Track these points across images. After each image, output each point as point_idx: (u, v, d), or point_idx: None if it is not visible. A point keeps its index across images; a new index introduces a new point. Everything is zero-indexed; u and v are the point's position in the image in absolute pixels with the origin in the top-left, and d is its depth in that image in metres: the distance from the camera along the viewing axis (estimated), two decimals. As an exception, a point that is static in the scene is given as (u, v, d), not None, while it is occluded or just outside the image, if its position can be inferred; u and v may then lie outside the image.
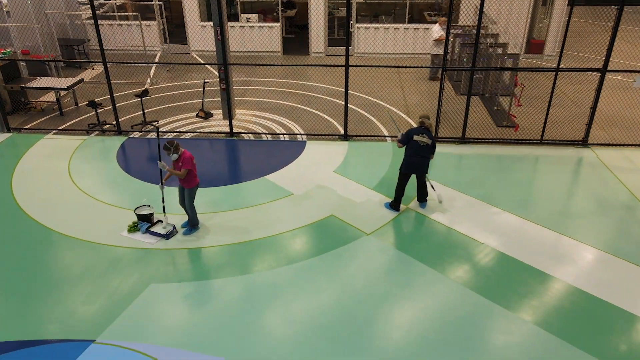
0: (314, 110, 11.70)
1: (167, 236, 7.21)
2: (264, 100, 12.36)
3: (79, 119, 11.32)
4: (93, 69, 14.92)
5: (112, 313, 5.87)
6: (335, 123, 11.05)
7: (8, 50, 11.64)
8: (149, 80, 13.62)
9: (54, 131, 10.63)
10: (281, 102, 12.24)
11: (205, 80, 11.18)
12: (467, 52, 12.60)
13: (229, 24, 15.71)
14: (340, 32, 17.23)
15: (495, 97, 12.03)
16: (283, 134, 10.50)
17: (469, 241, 7.15)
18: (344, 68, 9.61)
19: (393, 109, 11.82)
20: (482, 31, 14.19)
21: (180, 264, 6.72)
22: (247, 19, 15.81)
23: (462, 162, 9.46)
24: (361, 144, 10.13)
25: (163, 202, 7.25)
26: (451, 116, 11.05)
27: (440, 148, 9.79)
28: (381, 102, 12.22)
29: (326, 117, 11.38)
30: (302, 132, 10.56)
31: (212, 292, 6.23)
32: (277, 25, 15.73)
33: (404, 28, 15.46)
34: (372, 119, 11.31)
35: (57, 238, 7.20)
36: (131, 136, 10.48)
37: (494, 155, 9.65)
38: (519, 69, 9.53)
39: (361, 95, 12.69)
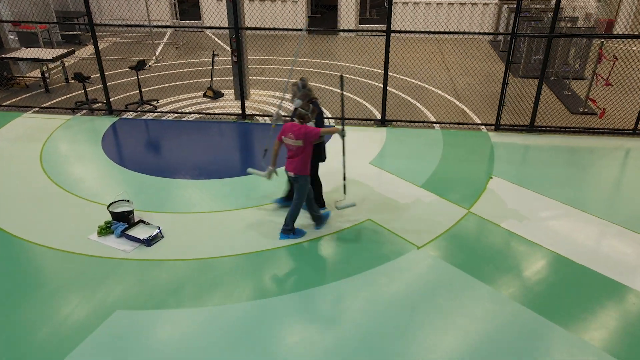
0: (344, 92, 9.75)
1: (149, 242, 5.37)
2: (285, 80, 10.47)
3: (67, 96, 9.62)
4: (87, 45, 13.25)
5: (58, 351, 4.05)
6: (369, 106, 9.10)
7: (-12, 15, 10.01)
8: (154, 58, 11.87)
9: (34, 109, 8.94)
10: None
11: (215, 54, 9.35)
12: (530, 27, 10.50)
13: (248, -3, 13.89)
14: (372, 12, 15.28)
15: (563, 81, 9.92)
16: (306, 117, 8.58)
17: (556, 258, 5.14)
18: (378, 46, 7.67)
19: (440, 91, 9.81)
20: (542, 5, 12.09)
21: (161, 282, 4.86)
22: (268, -7, 13.95)
23: (531, 154, 7.41)
24: (402, 130, 8.16)
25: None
26: (512, 100, 9.00)
27: (503, 137, 7.77)
28: (424, 84, 10.21)
29: (358, 99, 9.44)
30: (330, 116, 8.64)
31: (207, 324, 4.36)
32: (302, 0, 13.83)
33: (448, 3, 13.39)
34: (415, 102, 9.31)
35: (5, 242, 5.43)
36: (124, 117, 8.70)
37: (571, 147, 7.57)
38: (606, 35, 7.31)
39: (400, 76, 10.71)
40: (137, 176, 6.75)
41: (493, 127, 8.08)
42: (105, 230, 5.51)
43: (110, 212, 5.58)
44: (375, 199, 6.22)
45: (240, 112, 8.55)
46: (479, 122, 8.38)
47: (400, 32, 7.63)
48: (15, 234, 5.54)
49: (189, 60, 11.85)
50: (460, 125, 8.21)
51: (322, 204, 6.02)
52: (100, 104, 8.98)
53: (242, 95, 8.46)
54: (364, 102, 9.28)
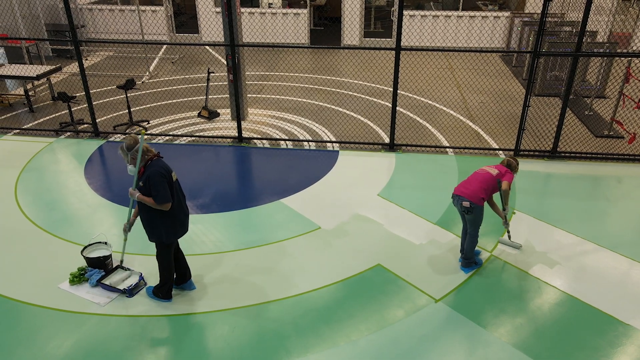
0: (348, 112, 9.12)
1: (130, 292, 4.69)
2: (285, 98, 9.83)
3: (52, 116, 8.99)
4: (86, 59, 12.65)
5: None
6: (376, 128, 8.44)
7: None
8: (147, 74, 11.25)
9: (15, 131, 8.30)
10: (306, 100, 9.70)
11: (210, 71, 8.71)
12: (547, 42, 9.86)
13: (248, 9, 13.31)
14: (377, 24, 14.68)
15: (582, 100, 9.27)
16: (308, 140, 7.93)
17: (596, 314, 4.44)
18: (383, 61, 7.01)
19: (451, 111, 9.15)
20: (557, 19, 11.48)
21: (133, 344, 4.17)
22: (269, 4, 13.37)
23: (554, 185, 6.73)
24: (413, 156, 7.49)
25: None
26: (530, 121, 8.35)
27: (524, 164, 7.09)
28: (434, 103, 9.56)
29: (364, 119, 8.78)
30: (334, 139, 7.98)
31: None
32: (304, 12, 13.23)
33: (457, 16, 12.78)
34: (425, 123, 8.65)
35: (-36, 290, 4.76)
36: (111, 139, 8.05)
37: (597, 176, 6.88)
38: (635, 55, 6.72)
39: (407, 94, 10.06)
40: (121, 210, 6.08)
41: (512, 153, 7.40)
42: (78, 278, 4.83)
43: (84, 257, 4.90)
44: (384, 239, 5.53)
45: (237, 134, 7.88)
46: (496, 146, 7.71)
47: (410, 49, 6.99)
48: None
49: (185, 75, 11.23)
50: (476, 151, 7.55)
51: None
52: (86, 125, 8.34)
53: (238, 117, 7.80)
54: (370, 123, 8.62)
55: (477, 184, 4.71)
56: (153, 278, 4.86)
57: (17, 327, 4.31)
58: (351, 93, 10.12)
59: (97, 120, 8.59)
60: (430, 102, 9.65)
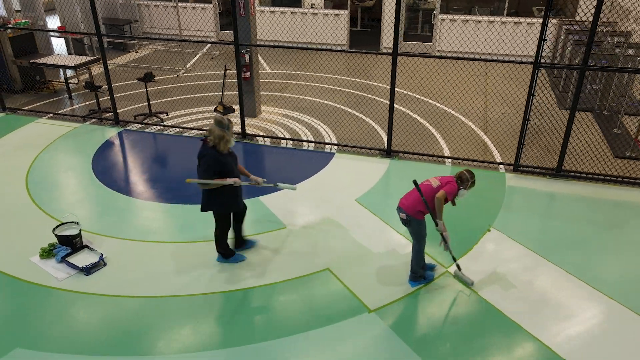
0: (361, 115, 9.07)
1: (87, 270, 5.05)
2: (304, 98, 9.95)
3: (85, 103, 9.72)
4: (136, 51, 13.51)
5: None
6: (383, 134, 8.34)
7: (25, 20, 10.38)
8: (184, 68, 11.82)
9: (49, 115, 9.08)
10: (324, 101, 9.75)
11: (227, 68, 9.02)
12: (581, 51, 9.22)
13: (290, 9, 13.56)
14: (425, 28, 14.37)
15: (617, 116, 8.57)
16: (307, 141, 8.00)
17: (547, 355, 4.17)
18: (423, 67, 6.94)
19: (467, 120, 8.82)
20: (606, 28, 10.67)
21: (82, 321, 4.48)
22: (312, 5, 13.52)
23: (549, 205, 6.33)
24: (408, 163, 7.33)
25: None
26: (546, 136, 7.87)
27: (522, 181, 6.72)
28: (451, 111, 9.26)
29: (373, 124, 8.70)
30: (333, 142, 7.99)
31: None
32: (345, 13, 13.25)
33: (501, 22, 12.23)
34: (434, 131, 8.42)
35: (-47, 253, 5.35)
36: (128, 128, 8.60)
37: (604, 200, 6.37)
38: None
39: (428, 100, 9.82)
40: (111, 194, 6.51)
41: (512, 168, 7.04)
42: (47, 253, 5.26)
43: (55, 235, 5.33)
44: (344, 244, 5.51)
45: (240, 131, 8.13)
46: (498, 160, 7.35)
47: (407, 54, 6.85)
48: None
49: (217, 71, 11.66)
50: (475, 163, 7.25)
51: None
52: (111, 114, 8.95)
53: (241, 114, 8.04)
54: (378, 128, 8.53)
55: (416, 195, 4.57)
56: (118, 262, 5.20)
57: (-18, 291, 4.80)
58: (373, 97, 10.03)
59: (123, 110, 9.22)
60: (447, 109, 9.36)
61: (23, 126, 8.63)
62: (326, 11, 13.33)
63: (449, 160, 7.37)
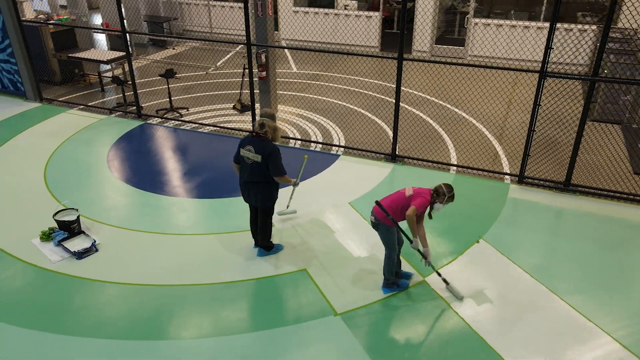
0: (375, 119, 9.03)
1: (79, 255, 5.35)
2: (323, 98, 10.01)
3: (116, 96, 10.21)
4: (174, 48, 14.02)
5: None
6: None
7: (66, 17, 11.02)
8: (214, 66, 12.16)
9: (80, 106, 9.61)
10: (342, 103, 9.77)
11: (246, 67, 9.21)
12: (622, 61, 8.78)
13: (323, 10, 13.64)
14: (461, 31, 14.07)
15: (646, 131, 8.09)
16: (314, 141, 8.06)
17: (501, 369, 4.05)
18: (443, 72, 6.89)
19: (483, 128, 8.60)
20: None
21: (65, 302, 4.76)
22: (345, 7, 13.54)
23: (550, 220, 6.07)
24: (411, 169, 7.25)
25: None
26: (564, 149, 7.55)
27: (525, 193, 6.50)
28: (470, 117, 9.04)
29: (387, 129, 8.64)
30: (340, 144, 8.00)
31: (84, 356, 4.17)
32: (376, 15, 13.18)
33: (537, 27, 11.78)
34: (446, 137, 8.26)
35: (-33, 231, 5.81)
36: (149, 122, 8.97)
37: (613, 219, 6.05)
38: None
39: (447, 105, 9.63)
40: (118, 184, 6.84)
41: (517, 180, 6.81)
42: (46, 236, 5.62)
43: (55, 220, 5.68)
44: (327, 247, 5.54)
45: (251, 128, 8.30)
46: (505, 170, 7.13)
47: (412, 59, 6.78)
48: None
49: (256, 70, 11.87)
50: (480, 172, 7.07)
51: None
52: (134, 107, 9.37)
53: (252, 112, 8.21)
54: (389, 133, 8.46)
55: (388, 201, 4.53)
56: (111, 250, 5.49)
57: (-18, 267, 5.20)
58: (393, 101, 9.94)
59: (150, 104, 9.64)
60: (466, 115, 9.15)
61: (55, 116, 9.19)
62: (358, 13, 13.31)
63: (454, 168, 7.23)
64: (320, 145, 7.98)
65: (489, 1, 13.16)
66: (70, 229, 5.65)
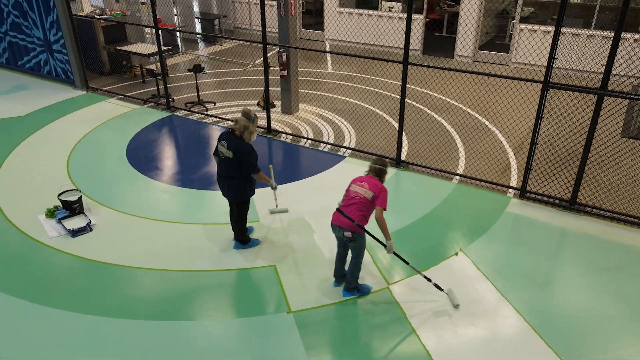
0: (394, 123, 8.91)
1: (74, 233, 5.78)
2: (348, 100, 10.01)
3: (153, 88, 10.79)
4: (221, 45, 14.55)
5: None
6: (406, 144, 8.14)
7: (117, 12, 11.77)
8: (252, 63, 12.50)
9: (119, 96, 10.27)
10: (366, 105, 9.73)
11: (270, 66, 9.43)
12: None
13: (367, 11, 13.60)
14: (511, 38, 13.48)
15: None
16: (322, 142, 8.10)
17: (437, 385, 3.94)
18: (474, 78, 6.81)
19: (501, 138, 8.24)
20: None
21: (52, 275, 5.17)
22: (390, 8, 13.42)
23: (544, 239, 5.73)
24: (412, 175, 7.12)
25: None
26: (594, 166, 7.08)
27: (526, 208, 6.20)
28: (492, 127, 8.69)
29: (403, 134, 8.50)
30: (348, 146, 8.00)
31: (65, 328, 4.55)
32: (420, 17, 12.95)
33: (587, 35, 11.07)
34: (460, 145, 8.01)
35: (-12, 203, 6.44)
36: (175, 114, 9.42)
37: (615, 243, 5.62)
38: None
39: (471, 112, 9.31)
40: (130, 171, 7.27)
41: (519, 193, 6.50)
42: (50, 214, 6.11)
43: (59, 199, 6.15)
44: (304, 246, 5.60)
45: (266, 125, 8.49)
46: (512, 183, 6.81)
47: (417, 64, 6.67)
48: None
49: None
50: (483, 183, 6.81)
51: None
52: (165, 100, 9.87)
53: (267, 110, 8.40)
54: (404, 138, 8.34)
55: (356, 212, 4.44)
56: (105, 228, 5.88)
57: (-11, 236, 5.76)
58: (418, 106, 9.77)
59: (182, 97, 10.11)
60: (489, 125, 8.80)
61: (95, 104, 9.89)
62: (402, 15, 13.14)
63: (457, 177, 7.01)
64: (328, 146, 8.02)
65: (540, 6, 12.51)
66: (72, 208, 6.10)
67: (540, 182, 6.57)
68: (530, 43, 11.54)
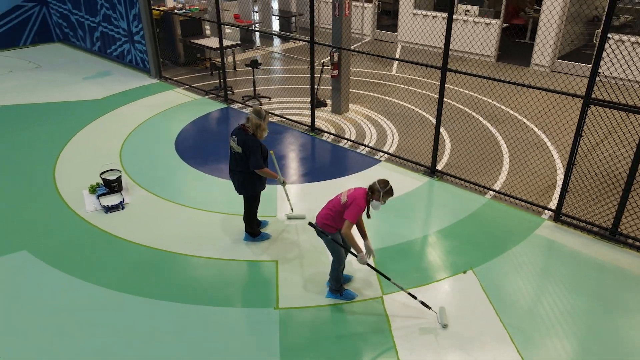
0: (443, 131, 8.59)
1: (107, 209, 6.27)
2: (402, 104, 9.81)
3: (216, 81, 11.30)
4: (294, 42, 14.86)
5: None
6: (448, 153, 7.83)
7: (195, 7, 12.45)
8: (322, 61, 12.64)
9: (185, 86, 10.88)
10: (419, 110, 9.47)
11: (325, 65, 9.49)
12: None
13: (441, 14, 13.19)
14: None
15: None
16: (363, 144, 8.01)
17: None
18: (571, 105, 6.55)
19: (555, 155, 7.62)
20: None
21: (80, 246, 5.66)
22: (466, 12, 12.90)
23: (570, 271, 5.23)
24: (443, 186, 6.83)
25: None
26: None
27: (558, 233, 5.73)
28: (549, 143, 8.06)
29: (448, 142, 8.19)
30: (386, 150, 7.84)
31: (91, 299, 5.02)
32: (496, 22, 12.31)
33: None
34: (506, 159, 7.54)
35: (31, 173, 7.15)
36: (231, 106, 9.81)
37: (655, 282, 5.02)
38: None
39: (533, 127, 8.71)
40: (173, 157, 7.71)
41: (553, 215, 6.00)
42: (92, 189, 6.66)
43: (102, 178, 6.69)
44: (311, 246, 5.62)
45: (310, 123, 8.58)
46: (552, 205, 6.29)
47: (455, 71, 6.38)
48: (40, 168, 7.20)
49: (354, 68, 12.12)
50: (517, 202, 6.36)
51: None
52: (227, 92, 10.30)
53: (312, 109, 8.47)
54: (448, 146, 8.02)
55: (324, 210, 4.44)
56: (137, 209, 6.33)
57: (36, 200, 6.40)
58: (476, 116, 9.33)
59: (242, 91, 10.51)
60: (547, 141, 8.18)
61: (162, 92, 10.58)
62: (477, 19, 12.58)
63: (491, 193, 6.62)
64: (367, 149, 7.93)
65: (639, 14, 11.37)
66: (111, 186, 6.61)
67: (580, 206, 6.01)
68: (617, 54, 10.53)
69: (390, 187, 4.24)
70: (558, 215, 5.88)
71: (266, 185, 5.52)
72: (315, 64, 8.18)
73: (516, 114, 9.30)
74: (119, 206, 6.33)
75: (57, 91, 10.61)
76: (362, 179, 7.03)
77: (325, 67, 9.71)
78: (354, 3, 14.94)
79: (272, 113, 9.32)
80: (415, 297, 4.59)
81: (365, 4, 14.69)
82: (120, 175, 6.70)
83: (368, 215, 4.45)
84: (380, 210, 4.46)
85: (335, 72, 8.90)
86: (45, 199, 6.55)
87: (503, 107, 9.68)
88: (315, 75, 8.36)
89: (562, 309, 4.69)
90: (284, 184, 5.62)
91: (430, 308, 4.55)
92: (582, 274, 5.15)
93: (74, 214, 6.21)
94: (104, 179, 6.62)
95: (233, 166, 5.28)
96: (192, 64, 12.35)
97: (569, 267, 5.24)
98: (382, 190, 4.20)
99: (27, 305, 4.75)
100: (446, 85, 10.82)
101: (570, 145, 7.34)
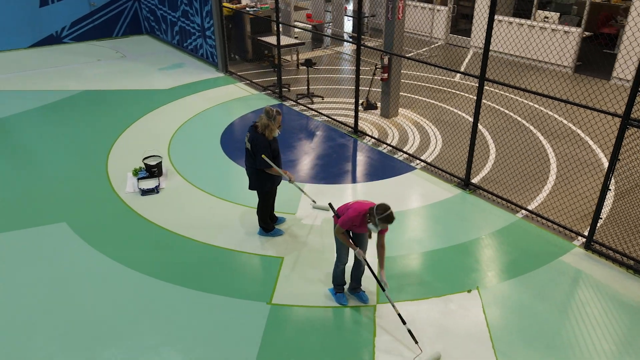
0: (490, 143, 8.21)
1: (143, 192, 6.73)
2: (454, 111, 9.47)
3: (275, 78, 11.59)
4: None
5: None
6: (489, 168, 7.48)
7: (266, 5, 12.82)
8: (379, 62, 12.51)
9: (247, 81, 11.29)
10: (471, 119, 9.09)
11: (377, 67, 9.40)
12: None
13: (517, 20, 12.53)
14: None
15: None
16: (401, 150, 7.85)
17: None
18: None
19: (603, 165, 6.97)
20: None
21: (115, 226, 6.11)
22: (545, 18, 12.13)
23: (612, 317, 4.79)
24: (476, 201, 6.53)
25: None
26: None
27: (587, 263, 5.30)
28: (605, 163, 7.39)
29: (493, 156, 7.81)
30: (423, 158, 7.63)
31: (121, 278, 5.51)
32: (576, 31, 11.45)
33: None
34: (551, 178, 7.05)
35: (89, 154, 7.80)
36: (284, 102, 10.04)
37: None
38: None
39: (594, 147, 8.04)
40: (216, 148, 8.07)
41: (584, 242, 5.52)
42: (135, 172, 7.17)
43: (143, 163, 7.17)
44: (321, 246, 5.68)
45: (353, 125, 8.57)
46: (585, 232, 5.80)
47: (494, 81, 6.06)
48: (98, 148, 7.83)
49: (413, 72, 11.90)
50: (549, 224, 5.94)
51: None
52: (284, 89, 10.55)
53: (356, 111, 8.45)
54: (491, 160, 7.64)
55: (344, 205, 4.54)
56: (171, 194, 6.74)
57: (80, 177, 7.01)
58: (534, 130, 8.79)
59: (298, 88, 10.72)
60: (605, 162, 7.51)
61: (224, 85, 11.07)
62: (555, 26, 11.78)
63: (523, 212, 6.23)
64: (405, 155, 7.77)
65: None
66: (151, 171, 7.07)
67: (618, 235, 5.50)
68: None
69: (389, 214, 4.11)
70: (589, 243, 5.42)
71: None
72: (377, 65, 8.14)
73: (578, 130, 8.64)
74: (154, 190, 6.77)
75: (134, 80, 11.47)
76: (391, 186, 6.93)
77: (377, 70, 9.62)
78: (422, 5, 14.62)
79: (319, 112, 9.42)
80: (404, 322, 4.34)
81: (439, 7, 14.30)
82: (161, 162, 7.15)
83: (369, 235, 4.45)
84: (394, 224, 4.33)
85: (385, 75, 8.81)
86: (93, 176, 7.15)
87: (565, 121, 9.03)
88: (367, 78, 8.32)
89: (564, 343, 4.34)
90: (292, 182, 5.66)
91: (417, 342, 4.24)
92: (603, 311, 4.72)
93: (114, 194, 6.73)
94: (145, 164, 7.10)
95: (246, 162, 5.46)
96: (259, 61, 12.77)
97: (592, 301, 4.82)
98: (377, 216, 4.14)
99: (56, 273, 5.26)
100: (509, 95, 10.30)
101: (630, 170, 6.75)
